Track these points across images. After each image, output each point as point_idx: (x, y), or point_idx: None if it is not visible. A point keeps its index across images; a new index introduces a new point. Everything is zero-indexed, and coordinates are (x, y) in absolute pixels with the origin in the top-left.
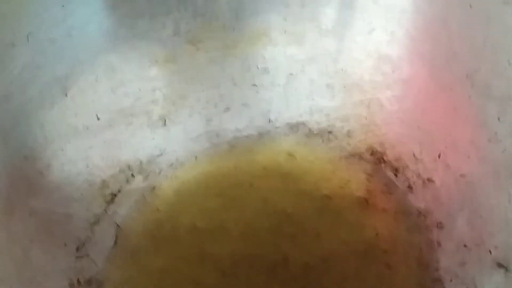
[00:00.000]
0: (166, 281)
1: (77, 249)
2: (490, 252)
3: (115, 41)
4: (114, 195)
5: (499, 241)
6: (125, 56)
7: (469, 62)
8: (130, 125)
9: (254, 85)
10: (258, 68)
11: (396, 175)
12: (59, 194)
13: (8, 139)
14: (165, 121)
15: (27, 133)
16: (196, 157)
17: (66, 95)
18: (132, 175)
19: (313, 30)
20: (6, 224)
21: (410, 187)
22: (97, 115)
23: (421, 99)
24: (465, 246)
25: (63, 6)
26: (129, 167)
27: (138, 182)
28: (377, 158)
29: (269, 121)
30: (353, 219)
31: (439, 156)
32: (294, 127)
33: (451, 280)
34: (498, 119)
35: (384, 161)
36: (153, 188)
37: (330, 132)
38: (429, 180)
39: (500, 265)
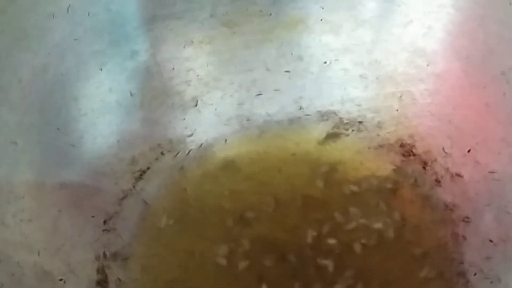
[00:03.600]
0: (191, 261)
1: (104, 222)
2: None
3: (152, 20)
4: (143, 172)
5: None
6: (161, 35)
7: (505, 59)
8: (163, 103)
9: (288, 71)
10: (292, 54)
11: (424, 168)
12: (89, 168)
13: (42, 110)
14: (197, 102)
15: (61, 105)
16: (225, 140)
17: (101, 69)
18: (162, 153)
19: (350, 20)
20: (37, 194)
21: (438, 181)
22: (130, 92)
23: (454, 94)
24: (491, 241)
25: None
26: (159, 145)
27: (167, 160)
28: (406, 151)
29: (300, 108)
30: (379, 209)
31: (468, 152)
32: (324, 116)
33: (475, 274)
34: None
35: (413, 154)
36: (182, 167)
37: (360, 123)
38: (458, 175)
39: None
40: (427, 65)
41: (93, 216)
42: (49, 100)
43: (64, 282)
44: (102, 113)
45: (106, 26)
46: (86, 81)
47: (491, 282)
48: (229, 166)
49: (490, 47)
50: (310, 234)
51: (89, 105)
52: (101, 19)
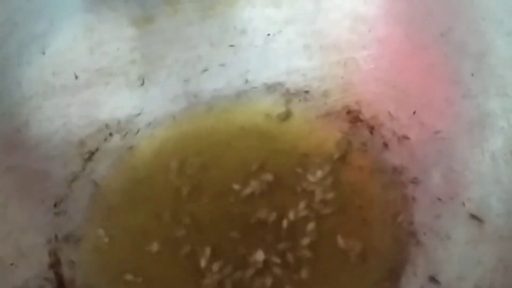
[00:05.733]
0: (143, 239)
1: (55, 205)
2: (463, 204)
3: (93, 0)
4: (92, 153)
5: (473, 194)
6: (103, 16)
7: (444, 20)
8: (108, 84)
9: (232, 45)
10: (235, 29)
11: (372, 133)
12: (36, 152)
13: None
14: (143, 81)
15: (4, 90)
16: (174, 117)
17: (43, 53)
18: (110, 134)
19: None
20: None
21: (385, 144)
22: (75, 74)
23: (397, 58)
24: (439, 200)
25: None
26: (107, 126)
27: (116, 141)
28: (353, 117)
29: (247, 81)
30: (329, 176)
31: (414, 114)
32: (271, 88)
33: (425, 234)
34: (472, 75)
35: (360, 120)
36: (131, 147)
37: (307, 92)
38: (405, 137)
39: (473, 217)
40: (369, 31)
41: (43, 201)
42: None
43: (16, 266)
44: (46, 96)
45: (45, 9)
46: (29, 65)
47: (441, 240)
48: (178, 143)
49: (428, 8)
50: (261, 207)
51: (33, 89)
52: (40, 2)
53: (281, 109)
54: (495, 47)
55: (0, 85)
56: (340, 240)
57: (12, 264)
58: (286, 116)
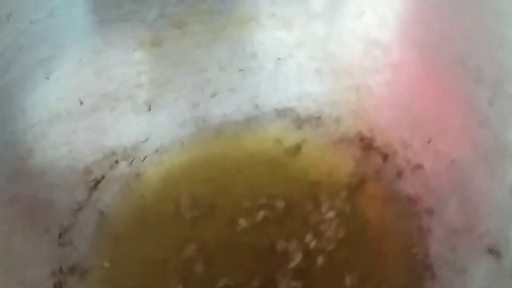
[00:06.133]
0: (151, 269)
1: (60, 236)
2: (481, 238)
3: (99, 23)
4: (97, 182)
5: (490, 226)
6: (110, 39)
7: (460, 46)
8: (114, 109)
9: (242, 69)
10: (245, 52)
11: (385, 161)
12: (41, 180)
13: None
14: (150, 106)
15: (8, 117)
16: (182, 143)
17: (48, 78)
18: (116, 161)
19: (302, 14)
20: None
21: (399, 173)
22: (80, 100)
23: (411, 84)
24: (455, 232)
25: None
26: (113, 153)
27: (123, 168)
28: (366, 144)
29: (257, 106)
30: (341, 205)
31: (429, 142)
32: (282, 113)
33: (441, 266)
34: (490, 103)
35: (373, 147)
36: (138, 174)
37: (318, 118)
38: (419, 166)
39: (491, 251)
40: (383, 56)
41: (47, 231)
42: None
43: None
44: (51, 123)
45: (50, 33)
46: (33, 90)
47: (458, 273)
48: (187, 169)
49: (444, 33)
50: (271, 235)
51: (37, 115)
52: (45, 26)
53: (292, 141)
54: None
55: (4, 112)
56: (348, 280)
57: None
58: (297, 150)
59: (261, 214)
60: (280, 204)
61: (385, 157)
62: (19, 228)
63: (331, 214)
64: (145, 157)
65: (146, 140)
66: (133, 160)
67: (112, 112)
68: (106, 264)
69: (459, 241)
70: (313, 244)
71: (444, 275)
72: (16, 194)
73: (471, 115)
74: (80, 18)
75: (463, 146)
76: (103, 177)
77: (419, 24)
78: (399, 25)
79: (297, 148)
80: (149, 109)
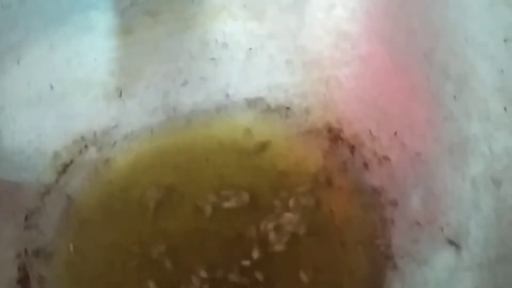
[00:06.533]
0: (116, 255)
1: (26, 219)
2: (442, 229)
3: (71, 10)
4: (66, 166)
5: (451, 218)
6: (81, 26)
7: (427, 41)
8: (85, 96)
9: (213, 59)
10: (217, 42)
11: (352, 153)
12: (8, 163)
13: None
14: (121, 93)
15: None
16: (152, 130)
17: (18, 63)
18: (86, 147)
19: (274, 6)
20: None
21: (366, 165)
22: (51, 85)
23: (379, 77)
24: (418, 223)
25: None
26: (82, 138)
27: (92, 153)
28: (334, 135)
29: (227, 95)
30: (308, 196)
31: (395, 135)
32: (252, 103)
33: (402, 257)
34: (454, 98)
35: (341, 139)
36: (107, 160)
37: (288, 108)
38: (385, 158)
39: (451, 242)
40: (352, 49)
41: (13, 214)
42: None
43: None
44: (21, 107)
45: (21, 18)
46: (3, 74)
47: (418, 265)
48: (156, 157)
49: (412, 28)
50: (238, 225)
51: (6, 99)
52: (16, 11)
53: (261, 131)
54: (478, 70)
55: None
56: (303, 275)
57: None
58: (265, 140)
59: (227, 203)
60: (247, 194)
61: (352, 149)
62: None
63: (297, 204)
64: (115, 143)
65: (116, 126)
66: (102, 146)
67: (83, 98)
68: (71, 249)
69: (421, 232)
70: (277, 234)
71: (405, 266)
72: None
73: (436, 109)
74: (51, 5)
75: (428, 139)
76: (71, 162)
77: (387, 19)
78: (368, 19)
79: (266, 138)
80: (120, 96)
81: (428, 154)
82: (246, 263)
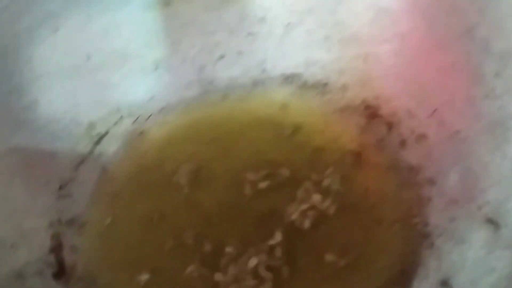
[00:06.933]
0: (149, 227)
1: (60, 188)
2: (480, 208)
3: None
4: (101, 137)
5: (490, 197)
6: None
7: (469, 16)
8: (121, 67)
9: (251, 33)
10: (255, 16)
11: (389, 130)
12: (44, 132)
13: None
14: (157, 65)
15: (14, 67)
16: (187, 104)
17: (56, 32)
18: (121, 118)
19: None
20: None
21: (403, 143)
22: (87, 55)
23: (419, 54)
24: (455, 202)
25: None
26: (118, 109)
27: (127, 125)
28: (371, 112)
29: (264, 70)
30: (343, 172)
31: (434, 112)
32: (289, 78)
33: (439, 236)
34: (496, 74)
35: (378, 116)
36: (142, 132)
37: (325, 85)
38: (423, 135)
39: (490, 221)
40: (392, 25)
41: (48, 182)
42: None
43: (16, 248)
44: (57, 76)
45: None
46: (41, 43)
47: (456, 243)
48: (191, 130)
49: (454, 3)
50: (273, 200)
51: (43, 68)
52: None
53: (297, 107)
54: None
55: (10, 62)
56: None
57: (12, 246)
58: (302, 116)
59: (263, 179)
60: (284, 170)
61: (389, 126)
62: (20, 178)
63: (333, 180)
64: (150, 116)
65: (152, 99)
66: (137, 118)
67: (119, 69)
68: (104, 219)
69: (458, 211)
70: (313, 210)
71: (442, 244)
72: (19, 143)
73: (477, 87)
74: None
75: (467, 117)
76: (106, 133)
77: None
78: None
79: (302, 114)
80: (156, 69)
81: (468, 132)
82: (277, 239)
